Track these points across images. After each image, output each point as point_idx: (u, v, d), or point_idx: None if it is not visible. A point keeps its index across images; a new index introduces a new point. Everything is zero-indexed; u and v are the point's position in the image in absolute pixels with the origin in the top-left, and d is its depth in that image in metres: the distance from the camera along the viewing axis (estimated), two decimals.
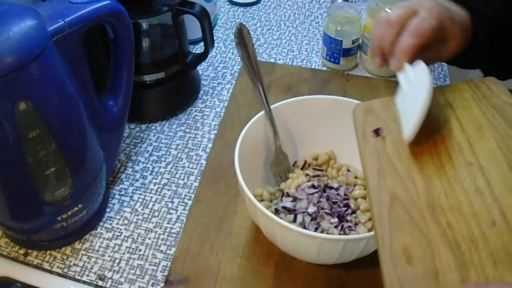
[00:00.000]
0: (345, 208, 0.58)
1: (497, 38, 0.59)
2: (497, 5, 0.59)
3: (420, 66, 0.51)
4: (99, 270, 0.59)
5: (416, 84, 0.50)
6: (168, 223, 0.64)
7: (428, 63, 0.55)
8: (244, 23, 0.89)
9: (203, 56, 0.77)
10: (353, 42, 0.84)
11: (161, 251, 0.61)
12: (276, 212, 0.58)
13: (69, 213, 0.57)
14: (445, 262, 0.39)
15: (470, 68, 0.65)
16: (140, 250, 0.61)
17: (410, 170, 0.46)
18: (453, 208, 0.42)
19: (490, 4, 0.58)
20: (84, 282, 0.58)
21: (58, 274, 0.59)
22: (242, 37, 0.60)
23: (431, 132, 0.48)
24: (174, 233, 0.62)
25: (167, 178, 0.69)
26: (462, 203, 0.42)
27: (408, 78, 0.52)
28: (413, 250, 0.40)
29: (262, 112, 0.61)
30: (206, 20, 0.71)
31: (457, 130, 0.48)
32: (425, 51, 0.53)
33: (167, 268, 0.58)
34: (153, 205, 0.66)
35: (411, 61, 0.51)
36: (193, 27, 0.77)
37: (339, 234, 0.56)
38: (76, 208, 0.58)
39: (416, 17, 0.52)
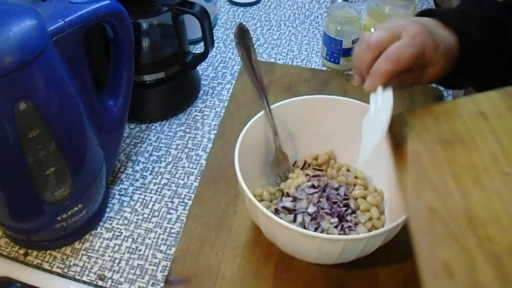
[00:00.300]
0: (345, 208, 0.58)
1: (487, 59, 0.58)
2: (485, 24, 0.58)
3: (387, 95, 0.50)
4: (99, 270, 0.59)
5: (380, 112, 0.50)
6: (168, 223, 0.64)
7: (405, 86, 0.55)
8: (244, 23, 0.89)
9: (203, 56, 0.77)
10: (353, 42, 0.84)
11: (161, 251, 0.61)
12: (276, 212, 0.58)
13: (69, 213, 0.57)
14: (486, 275, 0.38)
15: (457, 89, 0.64)
16: (140, 250, 0.61)
17: (446, 182, 0.45)
18: (491, 220, 0.41)
19: (479, 24, 0.57)
20: (84, 282, 0.58)
21: (58, 274, 0.59)
22: (242, 37, 0.60)
23: (465, 143, 0.47)
24: (174, 233, 0.62)
25: (167, 178, 0.69)
26: (500, 215, 0.41)
27: (377, 103, 0.51)
28: (453, 264, 0.39)
29: (262, 112, 0.61)
30: (206, 20, 0.71)
31: (492, 140, 0.47)
32: (403, 75, 0.52)
33: (167, 268, 0.58)
34: (153, 205, 0.66)
35: (386, 84, 0.51)
36: (193, 27, 0.77)
37: (339, 234, 0.56)
38: (76, 208, 0.58)
39: (398, 42, 0.50)
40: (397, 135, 0.51)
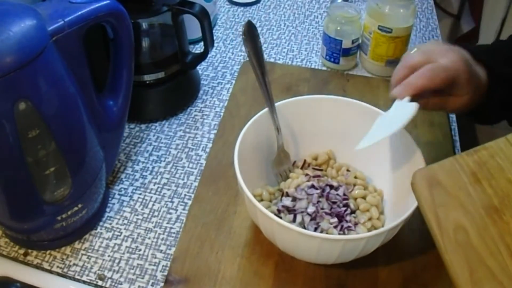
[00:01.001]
0: (344, 208, 0.58)
1: None
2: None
3: (412, 106, 0.51)
4: (99, 270, 0.59)
5: (398, 116, 0.51)
6: (168, 223, 0.64)
7: (429, 108, 0.56)
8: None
9: (203, 56, 0.77)
10: (352, 42, 0.84)
11: (161, 251, 0.61)
12: (278, 212, 0.58)
13: (69, 212, 0.57)
14: None
15: (487, 124, 0.64)
16: (140, 250, 0.61)
17: (507, 268, 0.38)
18: None
19: (506, 61, 0.58)
20: (84, 282, 0.58)
21: (58, 274, 0.59)
22: (250, 34, 0.60)
23: None
24: (174, 233, 0.63)
25: (167, 178, 0.69)
26: None
27: (399, 107, 0.52)
28: None
29: (261, 112, 0.61)
30: (206, 20, 0.71)
31: None
32: (430, 97, 0.54)
33: (167, 268, 0.58)
34: (153, 205, 0.66)
35: (413, 97, 0.52)
36: (193, 27, 0.77)
37: (339, 234, 0.56)
38: (76, 208, 0.58)
39: (436, 63, 0.52)
40: (433, 202, 0.43)
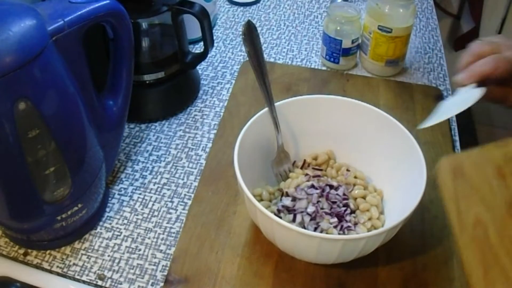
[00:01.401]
0: (344, 208, 0.58)
1: None
2: None
3: (476, 91, 0.52)
4: (98, 269, 0.59)
5: (462, 99, 0.52)
6: (167, 223, 0.64)
7: (489, 99, 0.56)
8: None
9: (202, 56, 0.77)
10: (352, 42, 0.84)
11: (161, 251, 0.61)
12: (278, 212, 0.58)
13: (69, 212, 0.57)
14: None
15: None
16: (140, 250, 0.61)
17: None
18: None
19: None
20: (83, 282, 0.58)
21: (58, 274, 0.59)
22: (250, 34, 0.60)
23: None
24: (173, 233, 0.63)
25: (166, 178, 0.69)
26: None
27: (464, 93, 0.53)
28: None
29: (261, 112, 0.61)
30: (205, 20, 0.71)
31: None
32: (494, 88, 0.55)
33: (167, 268, 0.58)
34: (153, 204, 0.66)
35: (476, 85, 0.53)
36: (193, 27, 0.77)
37: (338, 234, 0.56)
38: (75, 208, 0.58)
39: (501, 54, 0.53)
40: (456, 193, 0.42)
